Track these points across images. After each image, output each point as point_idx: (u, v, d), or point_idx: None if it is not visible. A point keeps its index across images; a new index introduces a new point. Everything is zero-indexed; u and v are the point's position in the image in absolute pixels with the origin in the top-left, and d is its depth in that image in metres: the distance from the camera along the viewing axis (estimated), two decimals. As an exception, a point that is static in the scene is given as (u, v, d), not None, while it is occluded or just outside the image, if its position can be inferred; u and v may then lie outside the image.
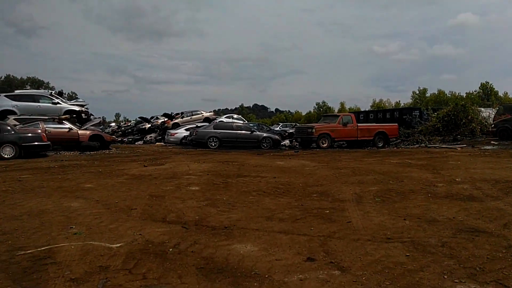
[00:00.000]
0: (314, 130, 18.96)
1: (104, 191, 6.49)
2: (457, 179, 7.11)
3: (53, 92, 21.97)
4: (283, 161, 10.90)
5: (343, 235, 3.90)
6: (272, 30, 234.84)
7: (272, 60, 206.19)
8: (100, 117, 21.73)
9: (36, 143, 12.84)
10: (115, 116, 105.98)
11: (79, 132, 15.89)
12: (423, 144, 18.94)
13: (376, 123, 23.49)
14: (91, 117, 21.78)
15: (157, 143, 27.80)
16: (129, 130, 38.25)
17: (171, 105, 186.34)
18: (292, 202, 5.52)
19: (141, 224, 4.45)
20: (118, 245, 3.62)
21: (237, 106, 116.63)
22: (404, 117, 23.18)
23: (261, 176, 7.81)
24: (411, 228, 4.12)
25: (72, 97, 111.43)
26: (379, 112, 27.39)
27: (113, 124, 57.43)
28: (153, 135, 31.27)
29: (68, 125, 16.07)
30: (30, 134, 13.05)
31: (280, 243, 3.65)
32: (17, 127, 14.04)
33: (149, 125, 33.28)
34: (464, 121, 19.72)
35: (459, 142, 18.14)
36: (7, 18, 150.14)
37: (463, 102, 21.48)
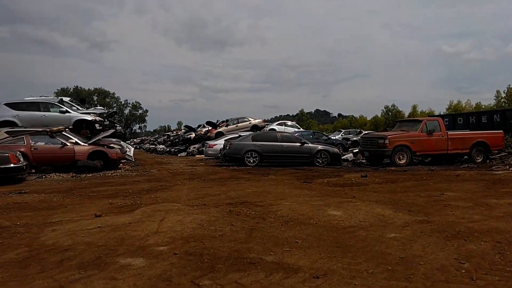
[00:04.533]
0: (387, 142, 14.00)
1: None
2: None
3: (72, 99, 19.16)
4: (342, 204, 6.25)
5: None
6: (334, 34, 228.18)
7: (334, 65, 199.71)
8: (118, 127, 18.42)
9: (-1, 166, 9.44)
10: (177, 124, 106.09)
11: (75, 148, 12.46)
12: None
13: (469, 130, 17.82)
14: (117, 127, 18.76)
15: (197, 156, 24.35)
16: (177, 140, 35.65)
17: (234, 112, 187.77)
18: None
19: None
20: None
21: (298, 112, 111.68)
22: (511, 121, 17.23)
23: (285, 267, 3.42)
24: None
25: (136, 106, 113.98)
26: (471, 116, 21.32)
27: (171, 133, 55.95)
28: (197, 145, 28.04)
29: (71, 139, 12.84)
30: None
31: None
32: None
33: (194, 135, 30.16)
34: None
35: None
36: (82, 33, 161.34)
37: None
